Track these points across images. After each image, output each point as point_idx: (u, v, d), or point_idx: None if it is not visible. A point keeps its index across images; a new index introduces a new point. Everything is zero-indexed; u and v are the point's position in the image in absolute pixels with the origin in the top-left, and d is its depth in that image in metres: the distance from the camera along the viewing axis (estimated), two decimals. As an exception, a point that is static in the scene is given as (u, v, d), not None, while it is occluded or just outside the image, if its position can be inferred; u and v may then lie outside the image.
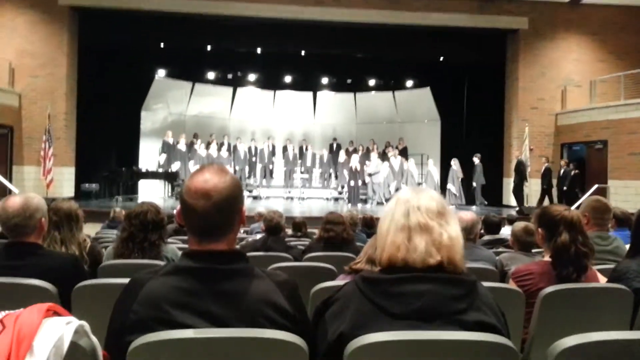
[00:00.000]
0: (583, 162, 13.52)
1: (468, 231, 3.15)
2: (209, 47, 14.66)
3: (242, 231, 6.40)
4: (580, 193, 12.16)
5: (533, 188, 13.17)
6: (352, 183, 14.13)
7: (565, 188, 12.73)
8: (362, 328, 1.24)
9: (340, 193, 15.21)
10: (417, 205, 1.34)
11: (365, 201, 14.26)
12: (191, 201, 1.28)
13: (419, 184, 14.28)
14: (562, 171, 12.94)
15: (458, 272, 1.29)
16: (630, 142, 12.04)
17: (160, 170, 14.20)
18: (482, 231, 4.86)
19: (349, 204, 13.66)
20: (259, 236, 4.69)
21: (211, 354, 1.19)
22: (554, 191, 13.00)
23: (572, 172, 12.71)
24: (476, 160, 13.76)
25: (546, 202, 12.52)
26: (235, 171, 14.45)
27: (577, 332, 1.22)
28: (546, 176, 12.94)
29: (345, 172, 14.58)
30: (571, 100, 13.96)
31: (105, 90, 13.32)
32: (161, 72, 15.60)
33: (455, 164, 14.30)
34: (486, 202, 13.75)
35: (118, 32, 13.13)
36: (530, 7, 13.94)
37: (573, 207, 2.74)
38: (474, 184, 13.72)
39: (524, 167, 12.98)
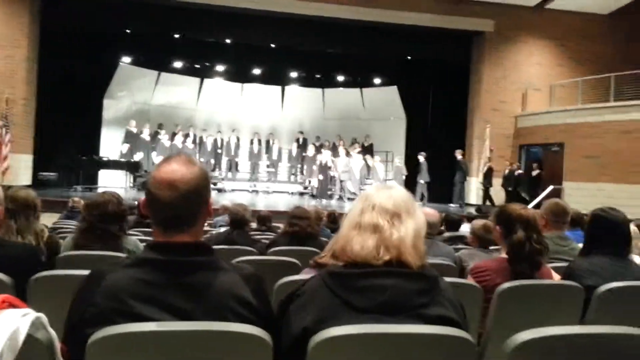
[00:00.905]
0: (540, 163, 13.99)
1: (430, 227, 3.22)
2: (176, 36, 14.37)
3: (206, 224, 6.30)
4: (539, 193, 12.57)
5: (497, 189, 13.52)
6: (320, 178, 14.18)
7: (509, 189, 13.10)
8: (326, 322, 1.25)
9: (306, 188, 15.23)
10: (372, 204, 1.37)
11: (331, 197, 14.33)
12: (157, 191, 1.26)
13: (387, 181, 14.45)
14: (506, 171, 13.26)
15: (411, 269, 1.31)
16: (585, 146, 12.52)
17: (123, 160, 13.88)
18: (443, 228, 4.97)
19: (318, 199, 13.69)
20: (223, 229, 4.66)
21: (174, 348, 1.17)
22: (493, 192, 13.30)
23: (516, 173, 13.12)
24: (421, 158, 13.78)
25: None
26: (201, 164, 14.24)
27: (532, 327, 1.26)
28: (510, 179, 13.26)
29: (314, 167, 14.59)
30: (531, 103, 14.39)
31: (68, 76, 12.88)
32: (126, 59, 15.22)
33: (399, 161, 14.40)
34: (421, 203, 13.89)
35: (82, 15, 12.69)
36: (497, 9, 14.23)
37: (530, 206, 2.83)
38: (421, 181, 13.79)
39: (466, 167, 13.52)
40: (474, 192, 14.17)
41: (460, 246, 4.03)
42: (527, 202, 11.57)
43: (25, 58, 12.44)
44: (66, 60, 12.74)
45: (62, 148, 13.26)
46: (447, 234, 4.68)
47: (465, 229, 5.14)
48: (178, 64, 15.80)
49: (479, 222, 3.55)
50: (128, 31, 13.91)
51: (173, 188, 1.26)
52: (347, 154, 14.73)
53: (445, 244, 3.57)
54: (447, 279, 1.48)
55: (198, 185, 1.29)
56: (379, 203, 1.37)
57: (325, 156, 14.24)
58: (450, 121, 14.93)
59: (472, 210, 10.70)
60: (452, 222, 5.03)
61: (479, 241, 3.46)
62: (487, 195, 13.30)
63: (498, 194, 13.38)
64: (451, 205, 13.34)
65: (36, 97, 12.97)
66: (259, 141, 16.13)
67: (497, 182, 13.51)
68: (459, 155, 13.64)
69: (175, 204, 1.26)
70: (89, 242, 2.78)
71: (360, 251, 1.32)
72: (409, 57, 15.12)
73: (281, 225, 4.32)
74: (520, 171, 13.33)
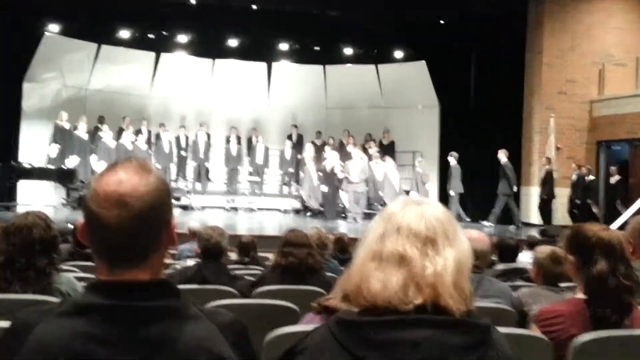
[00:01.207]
0: (626, 165, 13.95)
1: (478, 257, 3.21)
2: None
3: (167, 255, 6.32)
4: (623, 207, 12.54)
5: (560, 201, 13.52)
6: (326, 189, 14.09)
7: (578, 201, 13.12)
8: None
9: (304, 204, 15.25)
10: (397, 226, 1.37)
11: (342, 216, 14.33)
12: (99, 211, 1.27)
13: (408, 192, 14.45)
14: (573, 177, 13.27)
15: (452, 316, 1.31)
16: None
17: (51, 167, 13.92)
18: (495, 258, 4.97)
19: (321, 219, 13.65)
20: (190, 262, 4.65)
21: None
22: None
23: (586, 179, 13.15)
24: (452, 160, 13.83)
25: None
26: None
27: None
28: (577, 188, 13.26)
29: (314, 174, 14.60)
30: (611, 83, 14.39)
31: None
32: (53, 27, 15.22)
33: (419, 165, 14.47)
34: (468, 219, 13.90)
35: None
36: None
37: (614, 226, 2.84)
38: (451, 193, 13.77)
39: (512, 173, 13.44)
40: (534, 206, 14.14)
41: (518, 283, 4.02)
42: (600, 220, 11.57)
43: None
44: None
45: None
46: (500, 266, 4.68)
47: (524, 258, 5.13)
48: (124, 34, 15.82)
49: (544, 250, 3.55)
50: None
51: (121, 206, 1.26)
52: (367, 154, 14.70)
53: (498, 280, 3.57)
54: (502, 329, 1.48)
55: (155, 201, 1.29)
56: (407, 224, 1.37)
57: (332, 159, 14.19)
58: (501, 110, 14.93)
59: (534, 233, 10.65)
60: (507, 250, 5.03)
61: (544, 276, 3.46)
62: (545, 211, 13.28)
63: (564, 208, 13.40)
64: (505, 227, 13.33)
65: None
66: (238, 139, 16.15)
67: (565, 192, 13.50)
68: (503, 156, 13.56)
69: (124, 228, 1.26)
70: (7, 282, 2.77)
71: (381, 292, 1.31)
72: (442, 21, 15.15)
73: (271, 256, 4.31)
74: (591, 177, 13.33)
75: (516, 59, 15.05)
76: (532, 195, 14.24)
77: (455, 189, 13.78)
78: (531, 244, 6.83)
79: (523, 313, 3.11)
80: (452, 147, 14.91)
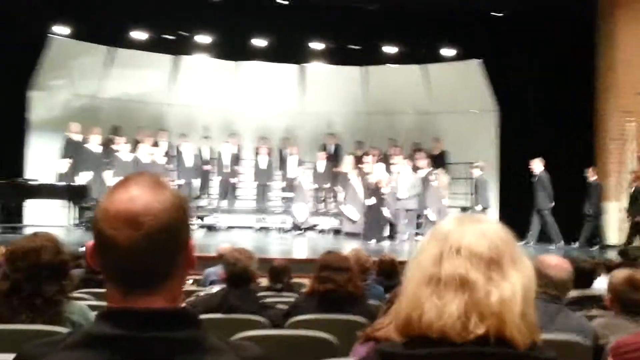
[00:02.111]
0: None
1: (554, 286, 3.17)
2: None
3: (190, 280, 6.37)
4: None
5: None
6: (370, 206, 14.05)
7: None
8: None
9: (342, 223, 15.24)
10: (457, 247, 1.35)
11: (392, 237, 14.26)
12: (110, 231, 1.28)
13: (467, 209, 14.34)
14: (633, 189, 12.99)
15: (517, 349, 1.29)
16: None
17: (61, 183, 14.12)
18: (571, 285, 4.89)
19: (363, 240, 13.61)
20: (216, 288, 4.68)
21: None
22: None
23: None
24: (476, 172, 13.72)
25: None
26: (178, 186, 14.45)
27: None
28: None
29: (356, 189, 14.59)
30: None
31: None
32: (62, 29, 15.50)
33: (441, 176, 14.36)
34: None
35: None
36: None
37: None
38: (477, 208, 13.67)
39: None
40: (612, 223, 13.89)
41: (593, 312, 3.95)
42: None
43: None
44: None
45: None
46: (573, 293, 4.60)
47: (601, 284, 5.04)
48: (140, 35, 16.02)
49: (620, 274, 3.49)
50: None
51: (133, 225, 1.27)
52: (414, 167, 14.66)
53: (579, 315, 3.51)
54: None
55: (172, 220, 1.30)
56: (468, 244, 1.35)
57: (378, 172, 14.13)
58: (569, 113, 14.71)
59: (611, 255, 10.45)
60: (581, 274, 4.93)
61: (621, 303, 3.39)
62: (635, 230, 13.02)
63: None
64: (576, 246, 13.13)
65: None
66: (268, 151, 16.24)
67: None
68: (539, 166, 13.59)
69: (137, 250, 1.27)
70: (13, 311, 2.82)
71: (435, 320, 1.30)
72: (500, 14, 15.06)
73: (306, 282, 4.32)
74: None
75: (585, 54, 14.85)
76: (609, 211, 13.97)
77: (482, 202, 13.80)
78: (608, 267, 6.70)
79: (599, 347, 3.05)
80: (513, 156, 14.78)
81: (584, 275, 4.96)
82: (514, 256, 1.36)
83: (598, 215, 13.52)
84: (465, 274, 1.32)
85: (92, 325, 1.32)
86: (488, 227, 1.39)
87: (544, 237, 13.61)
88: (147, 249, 1.27)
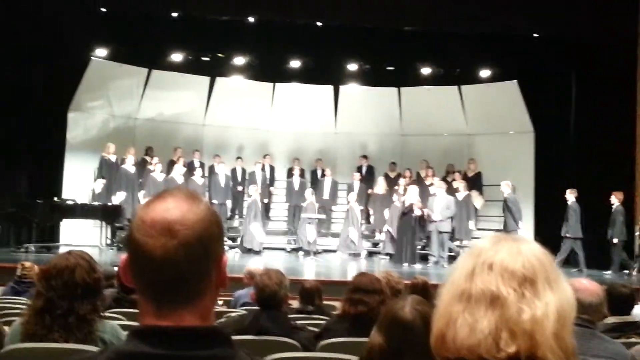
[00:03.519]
0: None
1: (586, 310, 3.12)
2: (175, 14, 14.89)
3: (220, 302, 6.37)
4: None
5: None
6: (403, 228, 13.96)
7: None
8: None
9: (375, 245, 15.15)
10: (489, 262, 1.34)
11: (425, 258, 14.17)
12: (145, 239, 1.28)
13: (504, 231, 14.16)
14: None
15: None
16: None
17: (96, 203, 14.24)
18: (605, 310, 4.80)
19: (394, 263, 13.56)
20: (246, 310, 4.68)
21: None
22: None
23: None
24: (571, 197, 13.57)
25: None
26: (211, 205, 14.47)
27: None
28: None
29: (388, 211, 14.53)
30: None
31: (13, 79, 13.46)
32: (100, 51, 15.73)
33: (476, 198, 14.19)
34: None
35: None
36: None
37: None
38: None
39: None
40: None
41: (632, 339, 3.87)
42: None
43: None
44: (11, 56, 13.34)
45: (8, 187, 13.79)
46: (611, 320, 4.52)
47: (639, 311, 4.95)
48: (177, 57, 16.25)
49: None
50: (103, 10, 14.50)
51: (168, 233, 1.27)
52: (451, 188, 14.58)
53: (615, 341, 3.44)
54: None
55: (205, 232, 1.30)
56: (501, 261, 1.33)
57: (411, 194, 14.07)
58: (610, 135, 14.51)
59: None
60: (620, 300, 4.85)
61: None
62: None
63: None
64: (607, 273, 12.91)
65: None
66: (301, 171, 16.30)
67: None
68: (571, 196, 13.53)
69: (171, 258, 1.27)
70: (47, 329, 2.84)
71: (467, 338, 1.29)
72: (536, 34, 14.96)
73: (337, 304, 4.30)
74: None
75: (626, 75, 14.65)
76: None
77: (511, 224, 13.70)
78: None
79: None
80: (550, 180, 14.59)
81: (622, 302, 4.87)
82: (550, 277, 1.34)
83: (624, 240, 13.31)
84: (497, 290, 1.30)
85: (124, 343, 1.32)
86: (524, 246, 1.37)
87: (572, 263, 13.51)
88: (180, 258, 1.27)
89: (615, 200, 13.39)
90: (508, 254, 1.35)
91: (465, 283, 1.34)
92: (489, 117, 16.53)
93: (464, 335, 1.29)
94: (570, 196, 13.60)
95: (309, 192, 15.15)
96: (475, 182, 15.54)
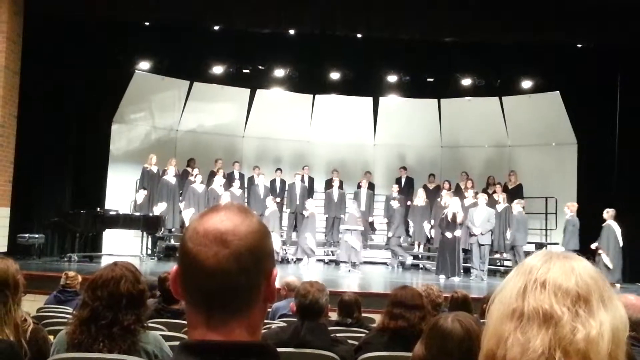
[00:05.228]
0: None
1: (635, 328, 3.09)
2: (216, 27, 15.06)
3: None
4: None
5: None
6: (443, 240, 13.84)
7: None
8: None
9: (416, 257, 15.08)
10: (542, 280, 1.32)
11: (467, 271, 14.08)
12: (197, 248, 1.30)
13: (541, 246, 14.00)
14: None
15: None
16: None
17: (138, 214, 14.42)
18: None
19: (435, 275, 13.48)
20: (285, 321, 4.69)
21: None
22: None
23: None
24: (608, 216, 13.28)
25: None
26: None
27: None
28: None
29: (427, 223, 14.44)
30: None
31: (60, 92, 13.74)
32: (144, 64, 15.93)
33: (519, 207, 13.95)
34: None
35: (81, 4, 13.38)
36: None
37: None
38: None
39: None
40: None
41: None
42: None
43: (2, 66, 13.05)
44: (59, 69, 13.59)
45: (52, 197, 14.02)
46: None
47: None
48: (217, 69, 16.37)
49: None
50: (147, 24, 14.72)
51: (221, 243, 1.29)
52: (491, 200, 14.44)
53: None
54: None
55: (257, 244, 1.32)
56: (554, 278, 1.32)
57: (453, 205, 13.92)
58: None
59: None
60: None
61: None
62: None
63: None
64: None
65: (17, 124, 13.63)
66: (341, 183, 16.30)
67: None
68: (609, 217, 13.21)
69: (223, 268, 1.28)
70: (91, 339, 2.88)
71: (519, 357, 1.27)
72: (579, 45, 14.80)
73: (377, 317, 4.29)
74: None
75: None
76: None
77: (566, 245, 13.39)
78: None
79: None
80: (593, 192, 14.34)
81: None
82: (604, 295, 1.31)
83: None
84: (550, 309, 1.28)
85: (174, 357, 1.34)
86: (577, 264, 1.35)
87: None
88: (232, 268, 1.28)
89: (609, 216, 13.17)
90: (561, 271, 1.33)
91: (517, 301, 1.32)
92: (530, 128, 16.39)
93: (515, 354, 1.28)
94: (608, 216, 13.29)
95: (351, 204, 15.12)
96: (516, 195, 15.37)
